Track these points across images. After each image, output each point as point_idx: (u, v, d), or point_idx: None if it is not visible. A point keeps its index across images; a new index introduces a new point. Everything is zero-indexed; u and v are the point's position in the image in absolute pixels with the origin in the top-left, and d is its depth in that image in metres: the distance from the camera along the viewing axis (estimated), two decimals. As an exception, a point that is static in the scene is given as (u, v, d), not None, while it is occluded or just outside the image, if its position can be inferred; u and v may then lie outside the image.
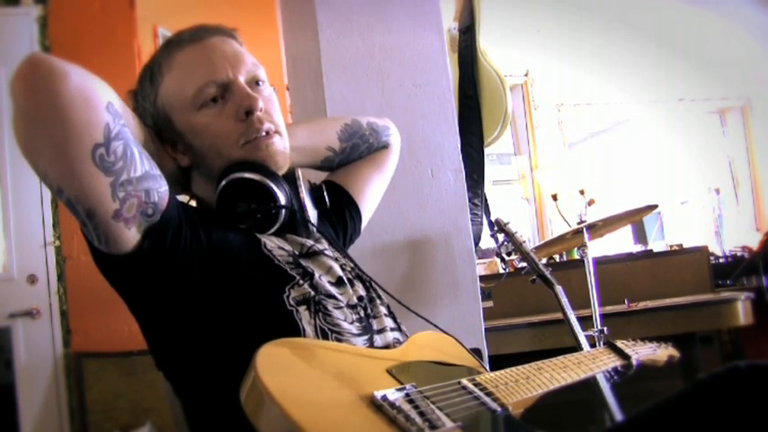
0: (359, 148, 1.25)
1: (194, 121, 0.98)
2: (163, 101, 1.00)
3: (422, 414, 0.69)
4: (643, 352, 1.23)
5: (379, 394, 0.70)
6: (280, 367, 0.68)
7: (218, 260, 0.92)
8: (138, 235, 0.85)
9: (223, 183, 0.97)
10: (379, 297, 1.06)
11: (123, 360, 2.61)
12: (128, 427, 2.57)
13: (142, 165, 0.84)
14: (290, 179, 1.04)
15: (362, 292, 1.03)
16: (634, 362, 1.17)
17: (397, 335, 1.01)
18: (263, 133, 0.99)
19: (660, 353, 1.27)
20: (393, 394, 0.71)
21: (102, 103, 0.79)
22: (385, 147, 1.31)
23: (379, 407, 0.69)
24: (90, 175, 0.78)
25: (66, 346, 2.70)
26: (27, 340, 2.67)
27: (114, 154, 0.80)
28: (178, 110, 0.99)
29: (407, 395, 0.73)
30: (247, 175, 0.96)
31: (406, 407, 0.69)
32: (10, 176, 2.69)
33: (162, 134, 1.01)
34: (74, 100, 0.76)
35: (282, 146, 1.02)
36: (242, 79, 0.99)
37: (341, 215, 1.20)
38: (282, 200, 0.98)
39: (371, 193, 1.27)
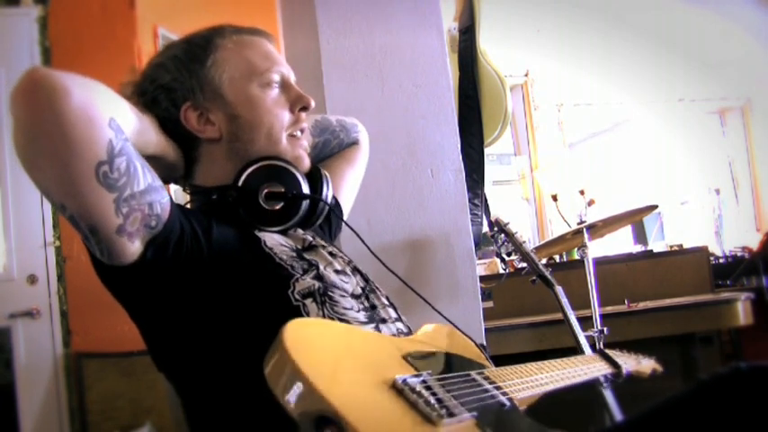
0: (330, 144, 1.31)
1: (253, 93, 1.02)
2: (218, 69, 1.02)
3: (439, 401, 0.70)
4: (629, 363, 1.25)
5: (400, 378, 0.70)
6: (307, 343, 0.68)
7: (220, 264, 0.92)
8: (141, 247, 0.85)
9: (263, 162, 1.01)
10: (378, 288, 1.08)
11: (123, 360, 2.60)
12: (128, 427, 2.57)
13: (145, 178, 0.84)
14: (315, 177, 1.10)
15: (362, 283, 1.05)
16: (624, 371, 1.18)
17: (399, 325, 1.02)
18: (302, 132, 1.07)
19: (645, 364, 1.29)
20: (412, 379, 0.71)
21: (105, 120, 0.78)
22: (354, 143, 1.36)
23: (399, 390, 0.69)
24: (93, 193, 0.78)
25: (66, 346, 2.70)
26: (27, 340, 2.67)
27: (118, 170, 0.79)
28: (238, 78, 1.02)
29: (424, 381, 0.73)
30: (290, 167, 1.02)
31: (426, 392, 0.70)
32: (10, 176, 2.69)
33: (194, 101, 1.02)
34: (77, 119, 0.75)
35: (307, 145, 1.10)
36: (293, 80, 1.08)
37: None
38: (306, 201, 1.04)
39: (347, 188, 1.32)
